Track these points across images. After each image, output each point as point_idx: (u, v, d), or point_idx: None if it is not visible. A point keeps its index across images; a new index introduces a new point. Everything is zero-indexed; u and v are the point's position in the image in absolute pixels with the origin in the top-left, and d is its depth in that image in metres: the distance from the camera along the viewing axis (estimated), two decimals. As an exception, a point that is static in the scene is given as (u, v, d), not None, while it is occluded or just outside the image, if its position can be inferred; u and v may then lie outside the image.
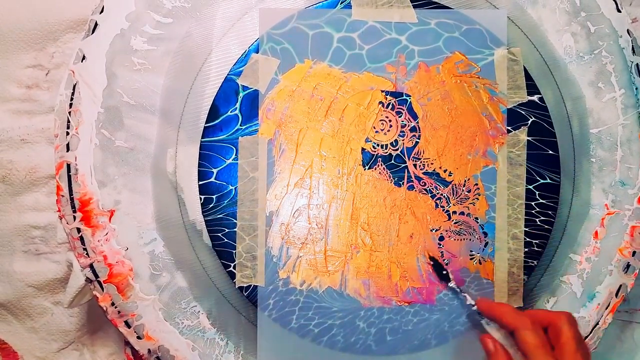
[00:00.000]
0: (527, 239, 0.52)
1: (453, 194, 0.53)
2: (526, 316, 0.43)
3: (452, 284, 0.51)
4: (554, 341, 0.42)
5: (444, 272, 0.51)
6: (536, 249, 0.52)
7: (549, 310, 0.48)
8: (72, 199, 0.52)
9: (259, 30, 0.53)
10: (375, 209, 0.52)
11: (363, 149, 0.53)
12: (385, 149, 0.53)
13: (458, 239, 0.52)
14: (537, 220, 0.52)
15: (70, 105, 0.52)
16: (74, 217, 0.51)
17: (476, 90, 0.53)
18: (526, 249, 0.52)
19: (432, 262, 0.52)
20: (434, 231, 0.52)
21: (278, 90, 0.52)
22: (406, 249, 0.52)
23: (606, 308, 0.54)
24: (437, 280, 0.52)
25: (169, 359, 0.52)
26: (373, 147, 0.53)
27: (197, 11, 0.54)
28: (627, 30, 0.55)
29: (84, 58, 0.52)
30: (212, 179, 0.52)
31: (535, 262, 0.52)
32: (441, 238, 0.52)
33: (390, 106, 0.53)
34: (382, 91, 0.53)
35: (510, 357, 0.43)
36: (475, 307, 0.48)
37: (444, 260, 0.52)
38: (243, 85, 0.52)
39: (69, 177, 0.52)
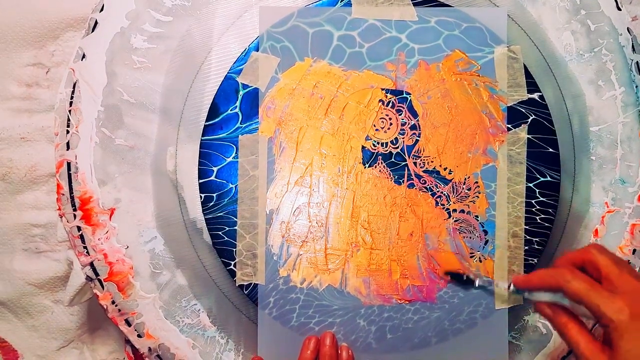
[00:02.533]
0: (528, 237, 0.52)
1: (453, 192, 0.53)
2: (562, 269, 0.43)
3: (479, 282, 0.51)
4: (597, 276, 0.42)
5: (464, 278, 0.51)
6: (536, 247, 0.52)
7: (574, 250, 0.46)
8: (72, 198, 0.52)
9: (259, 29, 0.53)
10: (375, 207, 0.52)
11: (363, 147, 0.53)
12: (386, 147, 0.53)
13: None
14: (537, 218, 0.52)
15: (71, 103, 0.52)
16: (74, 216, 0.52)
17: (476, 89, 0.53)
18: (526, 247, 0.52)
19: (450, 279, 0.51)
20: (434, 229, 0.52)
21: (278, 88, 0.52)
22: (406, 247, 0.52)
23: (606, 306, 0.54)
24: (465, 289, 0.51)
25: (169, 357, 0.52)
26: (373, 145, 0.53)
27: (197, 9, 0.54)
28: (627, 28, 0.55)
29: (84, 56, 0.52)
30: (213, 177, 0.52)
31: (535, 260, 0.52)
32: (441, 236, 0.52)
33: (391, 104, 0.53)
34: (382, 89, 0.53)
35: (569, 311, 0.43)
36: (512, 288, 0.47)
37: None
38: (243, 84, 0.52)
39: (69, 175, 0.52)
